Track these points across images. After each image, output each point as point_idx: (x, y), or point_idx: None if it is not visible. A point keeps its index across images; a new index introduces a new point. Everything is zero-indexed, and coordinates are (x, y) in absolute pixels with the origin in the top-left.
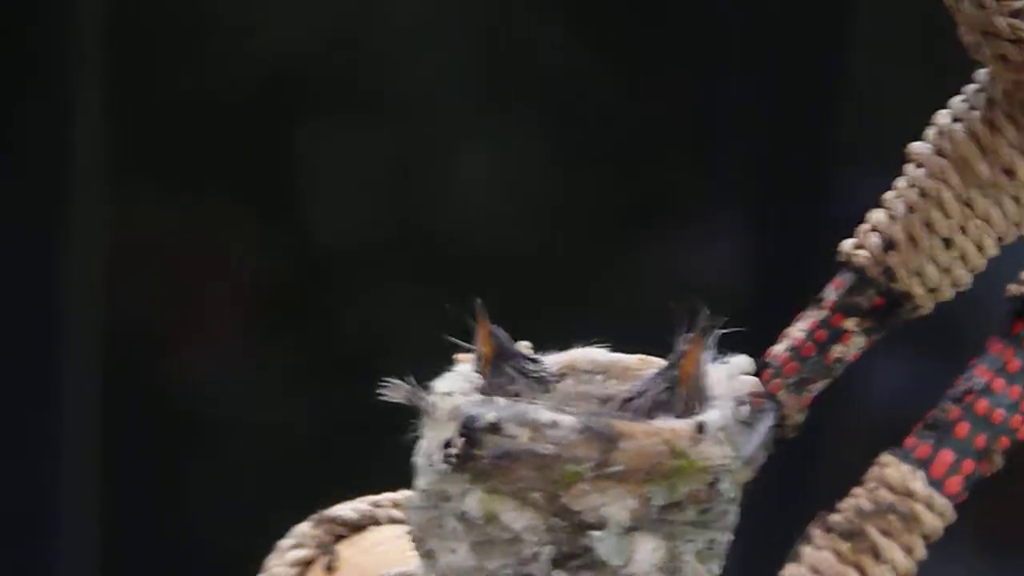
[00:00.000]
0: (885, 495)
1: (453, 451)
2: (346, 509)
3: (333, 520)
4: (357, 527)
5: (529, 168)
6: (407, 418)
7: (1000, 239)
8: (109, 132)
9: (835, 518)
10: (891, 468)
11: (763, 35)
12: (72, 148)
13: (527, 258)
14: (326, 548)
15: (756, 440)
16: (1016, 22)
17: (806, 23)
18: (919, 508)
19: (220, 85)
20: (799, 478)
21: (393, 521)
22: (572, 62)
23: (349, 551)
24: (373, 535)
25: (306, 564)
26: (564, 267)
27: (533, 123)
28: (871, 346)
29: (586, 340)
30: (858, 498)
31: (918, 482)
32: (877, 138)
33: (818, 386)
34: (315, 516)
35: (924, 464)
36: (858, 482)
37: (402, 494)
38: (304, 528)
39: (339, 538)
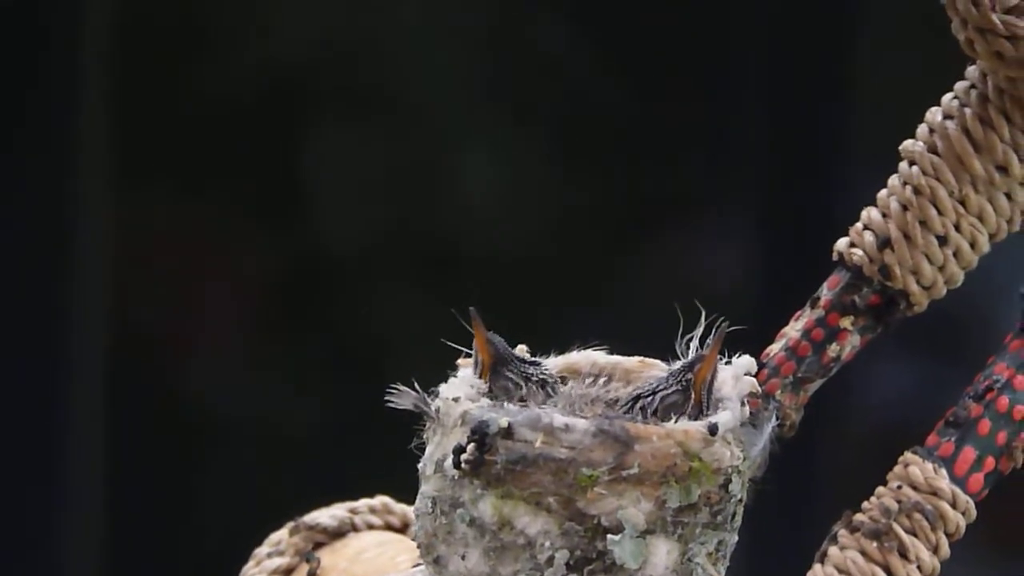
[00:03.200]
0: (910, 494)
1: (465, 456)
2: (324, 516)
3: (312, 527)
4: (336, 534)
5: (533, 171)
6: (411, 423)
7: (992, 236)
8: (115, 136)
9: (860, 518)
10: (915, 466)
11: (765, 36)
12: (78, 153)
13: (531, 260)
14: (306, 555)
15: (762, 440)
16: (1011, 19)
17: (808, 23)
18: (944, 506)
19: (225, 90)
20: (799, 480)
21: (371, 527)
22: (576, 64)
23: (331, 558)
24: (355, 542)
25: (286, 572)
26: (567, 269)
27: (537, 126)
28: (866, 345)
29: (587, 342)
30: (883, 497)
31: (942, 480)
32: (881, 138)
33: (814, 385)
34: (292, 523)
35: (947, 462)
36: (860, 483)
37: (379, 500)
38: (281, 535)
39: (318, 545)
